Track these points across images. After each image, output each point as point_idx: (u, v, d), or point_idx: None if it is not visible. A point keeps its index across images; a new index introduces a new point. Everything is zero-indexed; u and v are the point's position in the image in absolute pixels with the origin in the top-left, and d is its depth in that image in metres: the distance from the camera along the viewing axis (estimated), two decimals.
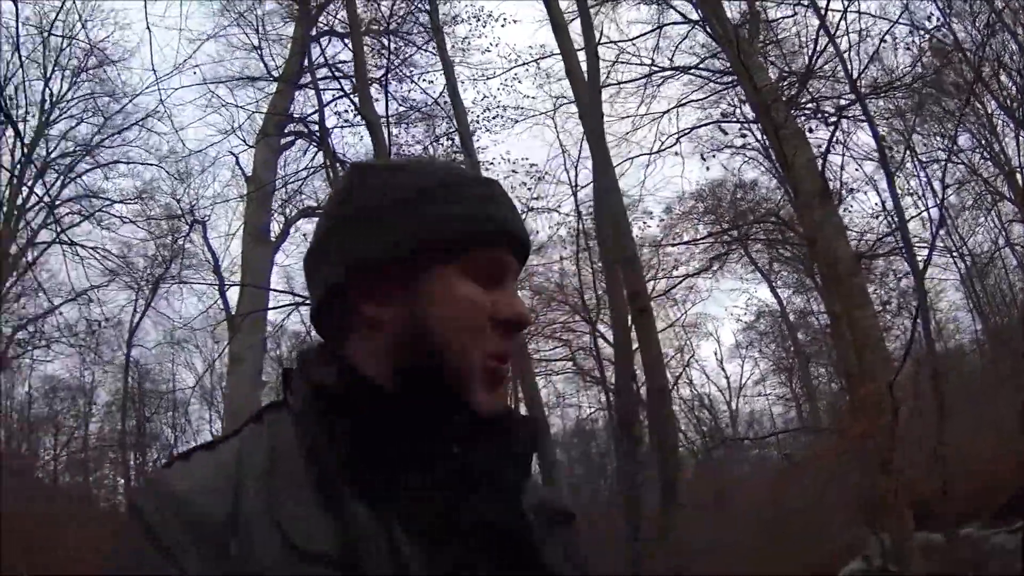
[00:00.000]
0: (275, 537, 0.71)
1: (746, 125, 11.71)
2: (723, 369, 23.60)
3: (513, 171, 11.08)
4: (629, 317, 8.08)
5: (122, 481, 17.77)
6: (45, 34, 11.50)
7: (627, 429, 8.05)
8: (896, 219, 9.18)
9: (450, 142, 10.48)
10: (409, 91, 11.41)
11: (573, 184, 13.04)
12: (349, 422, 0.77)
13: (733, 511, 13.72)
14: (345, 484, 0.74)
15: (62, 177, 14.17)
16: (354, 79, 9.11)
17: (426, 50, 11.16)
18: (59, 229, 12.64)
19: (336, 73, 10.94)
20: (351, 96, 9.44)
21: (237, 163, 11.09)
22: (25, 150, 12.89)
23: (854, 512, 9.19)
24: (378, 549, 0.71)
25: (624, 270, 8.11)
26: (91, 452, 18.54)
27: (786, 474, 11.04)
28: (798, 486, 9.87)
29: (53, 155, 14.09)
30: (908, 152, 10.63)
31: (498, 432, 0.82)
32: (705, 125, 12.07)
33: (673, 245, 15.50)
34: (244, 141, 10.89)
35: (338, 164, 9.21)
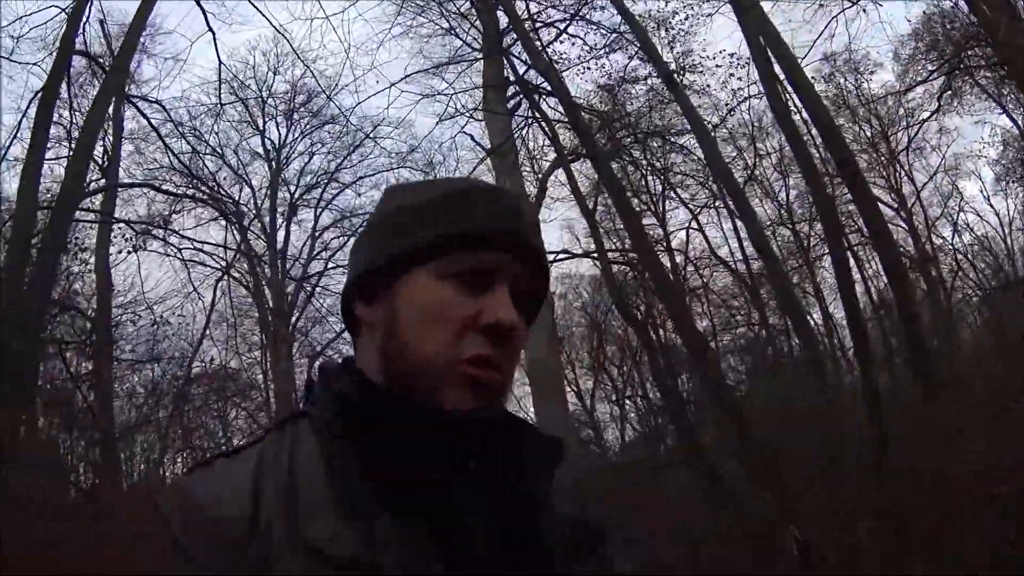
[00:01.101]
0: (296, 542, 0.72)
1: None
2: (991, 206, 21.14)
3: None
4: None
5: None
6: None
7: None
8: None
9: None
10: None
11: None
12: (370, 431, 0.78)
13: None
14: (367, 492, 0.75)
15: (316, 209, 15.55)
16: None
17: None
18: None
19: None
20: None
21: (473, 139, 11.55)
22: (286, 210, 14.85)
23: None
24: (400, 556, 0.71)
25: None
26: None
27: None
28: None
29: (297, 194, 15.59)
30: None
31: (506, 441, 0.83)
32: None
33: (899, 93, 14.75)
34: (471, 117, 11.20)
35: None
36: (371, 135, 12.93)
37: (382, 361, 0.82)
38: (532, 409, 10.75)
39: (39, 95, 5.93)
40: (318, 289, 14.94)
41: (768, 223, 13.59)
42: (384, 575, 0.70)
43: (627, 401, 17.77)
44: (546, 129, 9.75)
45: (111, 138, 10.95)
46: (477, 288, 0.82)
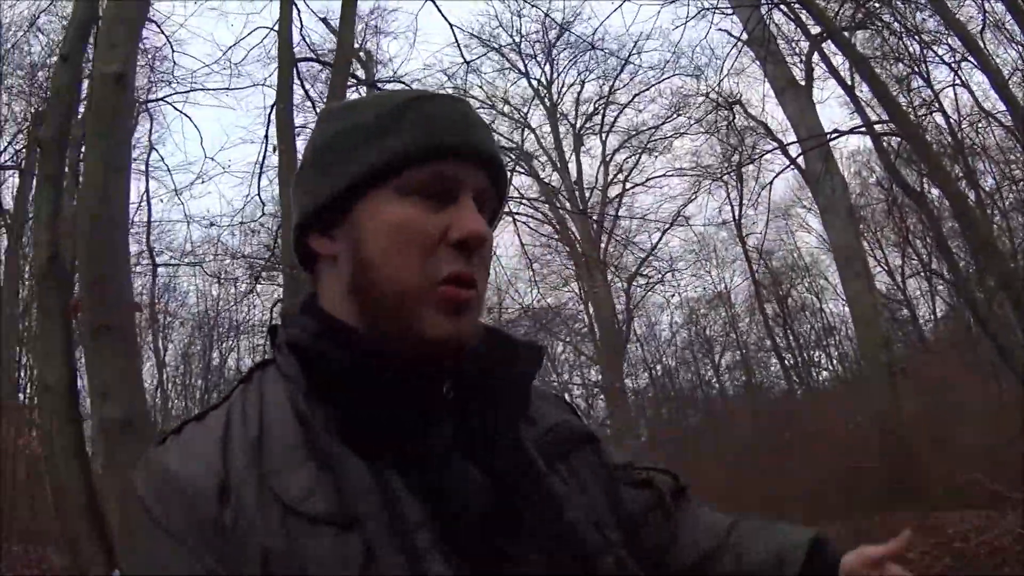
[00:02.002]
0: (270, 502, 0.69)
1: None
2: None
3: None
4: None
5: None
6: None
7: None
8: None
9: None
10: None
11: None
12: (331, 376, 0.75)
13: None
14: (338, 441, 0.71)
15: (601, 135, 15.94)
16: None
17: None
18: None
19: None
20: None
21: (729, 33, 11.00)
22: None
23: None
24: (376, 504, 0.68)
25: None
26: None
27: None
28: None
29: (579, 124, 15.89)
30: None
31: (487, 362, 0.80)
32: None
33: None
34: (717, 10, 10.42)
35: None
36: (632, 52, 12.82)
37: (352, 295, 0.78)
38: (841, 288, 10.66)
39: (272, 110, 6.35)
40: (621, 211, 15.23)
41: None
42: (362, 526, 0.67)
43: (932, 275, 15.31)
44: (792, 10, 8.92)
45: None
46: (441, 201, 0.78)
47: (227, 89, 10.25)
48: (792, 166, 11.50)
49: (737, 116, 11.61)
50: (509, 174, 0.88)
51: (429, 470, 0.72)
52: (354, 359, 0.74)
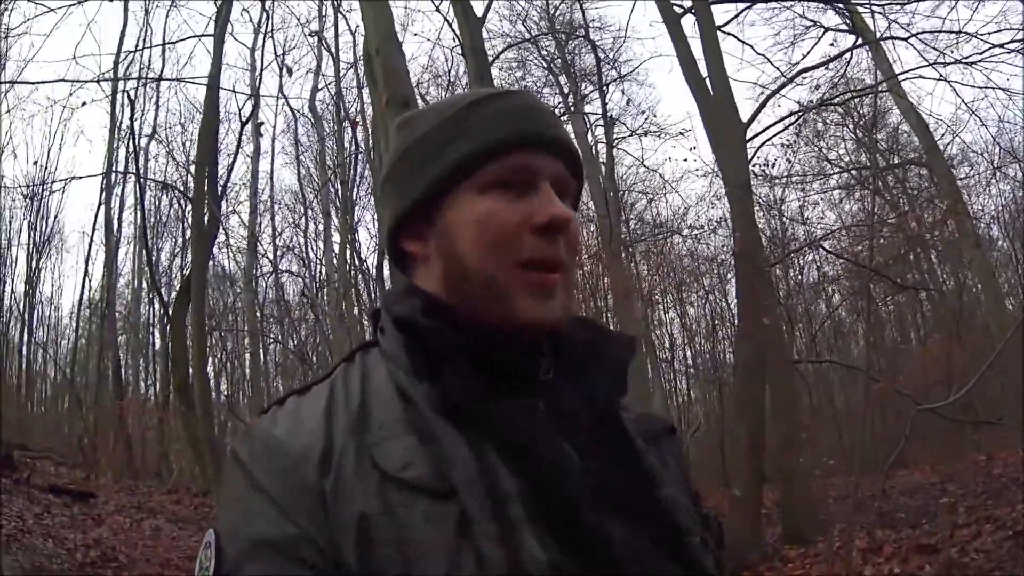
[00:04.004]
0: (369, 471, 0.71)
1: None
2: None
3: None
4: None
5: None
6: None
7: None
8: None
9: None
10: None
11: None
12: (437, 349, 0.77)
13: None
14: (438, 416, 0.73)
15: None
16: None
17: None
18: None
19: None
20: None
21: None
22: None
23: None
24: (473, 475, 0.70)
25: None
26: None
27: None
28: None
29: None
30: None
31: (582, 346, 0.84)
32: None
33: None
34: None
35: None
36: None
37: (447, 288, 0.82)
38: None
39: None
40: None
41: None
42: (458, 495, 0.69)
43: None
44: None
45: None
46: (521, 192, 0.81)
47: None
48: None
49: None
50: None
51: (525, 445, 0.73)
52: (458, 334, 0.77)
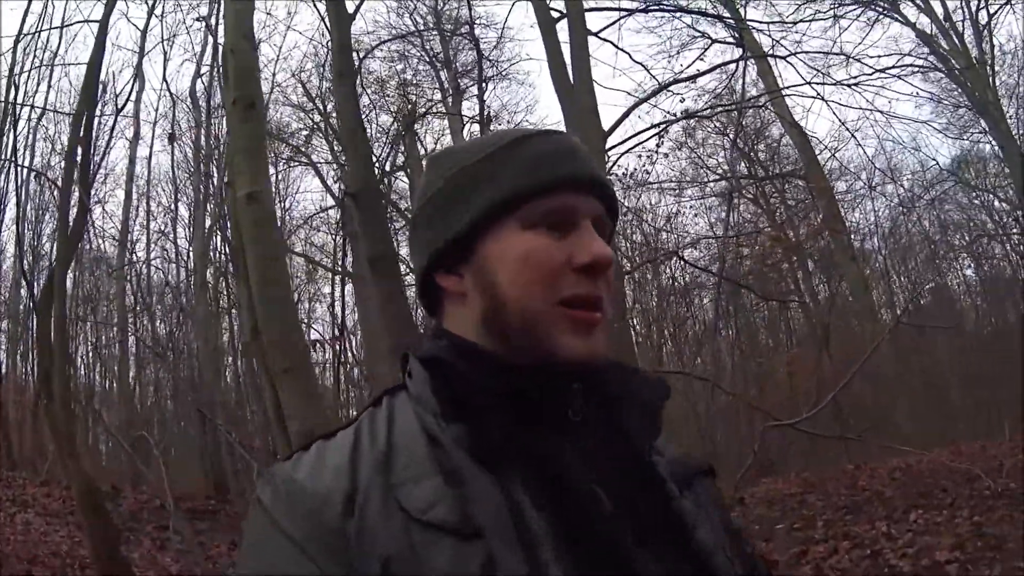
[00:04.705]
0: (394, 512, 0.71)
1: None
2: None
3: None
4: None
5: None
6: None
7: None
8: None
9: None
10: None
11: None
12: (466, 390, 0.77)
13: None
14: (466, 456, 0.73)
15: None
16: None
17: None
18: None
19: None
20: None
21: None
22: None
23: None
24: (501, 516, 0.70)
25: None
26: None
27: None
28: None
29: None
30: None
31: (614, 388, 0.84)
32: None
33: None
34: None
35: None
36: None
37: (485, 325, 0.82)
38: None
39: None
40: None
41: None
42: (484, 536, 0.68)
43: None
44: None
45: None
46: (562, 230, 0.81)
47: None
48: None
49: None
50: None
51: (554, 487, 0.72)
52: (487, 375, 0.77)
